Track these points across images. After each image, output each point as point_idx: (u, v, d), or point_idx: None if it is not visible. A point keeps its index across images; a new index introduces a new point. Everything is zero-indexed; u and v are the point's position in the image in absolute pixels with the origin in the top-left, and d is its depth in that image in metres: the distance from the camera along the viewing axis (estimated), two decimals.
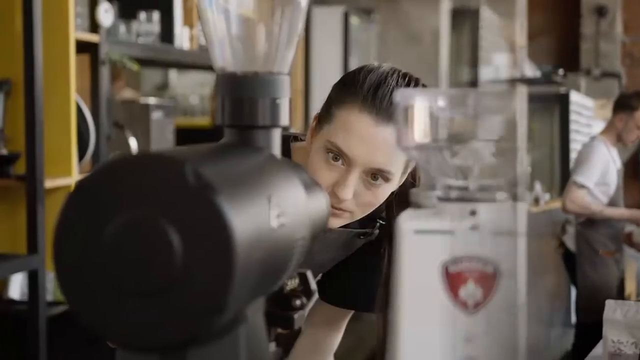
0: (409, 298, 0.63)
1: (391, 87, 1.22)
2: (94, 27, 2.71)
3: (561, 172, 7.36)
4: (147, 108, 3.35)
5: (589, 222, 4.33)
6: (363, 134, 1.20)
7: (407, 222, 0.63)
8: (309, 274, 0.79)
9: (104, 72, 2.73)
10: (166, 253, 0.55)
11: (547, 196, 6.36)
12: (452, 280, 0.62)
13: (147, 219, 0.56)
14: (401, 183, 1.29)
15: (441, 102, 0.62)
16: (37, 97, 2.35)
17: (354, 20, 7.21)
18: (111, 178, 0.58)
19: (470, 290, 0.62)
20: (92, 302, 0.57)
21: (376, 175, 1.22)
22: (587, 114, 7.41)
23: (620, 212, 4.37)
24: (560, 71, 6.96)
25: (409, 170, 1.29)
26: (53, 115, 2.50)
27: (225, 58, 0.74)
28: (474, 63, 7.29)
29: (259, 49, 0.73)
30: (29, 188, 2.33)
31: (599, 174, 4.22)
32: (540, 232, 4.89)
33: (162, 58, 3.46)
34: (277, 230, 0.63)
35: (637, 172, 9.55)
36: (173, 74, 5.90)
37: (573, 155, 7.33)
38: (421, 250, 0.62)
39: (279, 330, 0.76)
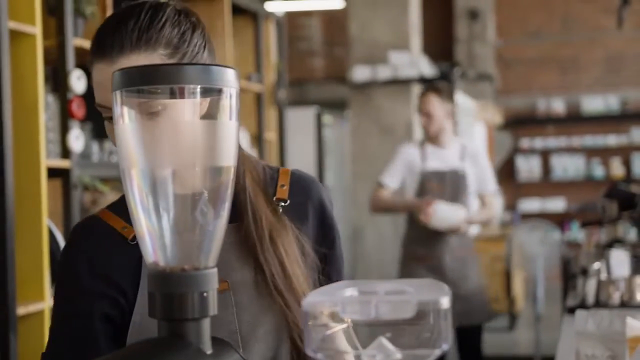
0: None
1: (119, 16, 1.15)
2: (66, 151, 2.77)
3: None
4: None
5: (406, 228, 4.24)
6: (107, 83, 1.10)
7: None
8: None
9: (76, 196, 2.78)
10: None
11: None
12: None
13: None
14: None
15: (345, 308, 0.68)
16: (8, 226, 2.40)
17: (327, 119, 7.38)
18: None
19: None
20: None
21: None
22: (470, 115, 7.51)
23: (404, 201, 4.22)
24: (457, 70, 6.91)
25: None
26: (25, 242, 2.54)
27: (156, 253, 0.80)
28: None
29: (186, 246, 0.80)
30: (0, 317, 2.35)
31: (400, 175, 4.17)
32: None
33: None
34: None
35: (511, 174, 9.88)
36: None
37: None
38: None
39: None
